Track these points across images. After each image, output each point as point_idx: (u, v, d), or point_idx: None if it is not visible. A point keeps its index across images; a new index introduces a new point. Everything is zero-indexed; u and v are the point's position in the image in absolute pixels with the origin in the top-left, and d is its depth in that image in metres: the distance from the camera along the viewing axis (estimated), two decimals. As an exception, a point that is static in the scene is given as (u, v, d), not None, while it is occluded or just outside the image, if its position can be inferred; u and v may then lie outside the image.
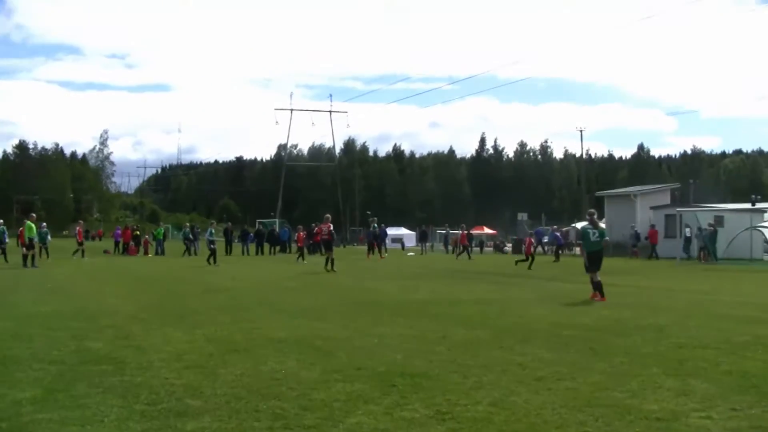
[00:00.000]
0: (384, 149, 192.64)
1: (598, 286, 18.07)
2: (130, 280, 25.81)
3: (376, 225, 49.72)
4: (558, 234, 51.76)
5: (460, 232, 54.11)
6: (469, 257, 46.60)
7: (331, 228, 32.04)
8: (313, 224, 62.89)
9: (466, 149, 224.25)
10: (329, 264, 30.03)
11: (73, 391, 7.82)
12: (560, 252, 48.26)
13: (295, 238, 49.61)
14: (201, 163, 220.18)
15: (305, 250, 44.05)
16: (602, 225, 20.07)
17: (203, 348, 10.63)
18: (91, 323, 13.33)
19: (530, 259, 34.96)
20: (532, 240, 40.47)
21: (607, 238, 19.35)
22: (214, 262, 36.12)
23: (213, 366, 9.20)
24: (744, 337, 11.66)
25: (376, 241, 48.38)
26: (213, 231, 41.49)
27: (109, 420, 6.67)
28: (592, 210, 19.91)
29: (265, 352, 10.18)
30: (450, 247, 63.96)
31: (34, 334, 11.93)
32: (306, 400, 7.38)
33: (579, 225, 61.84)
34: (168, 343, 11.07)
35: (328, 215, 32.59)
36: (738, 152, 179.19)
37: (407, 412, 6.89)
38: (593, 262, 18.40)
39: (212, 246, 38.12)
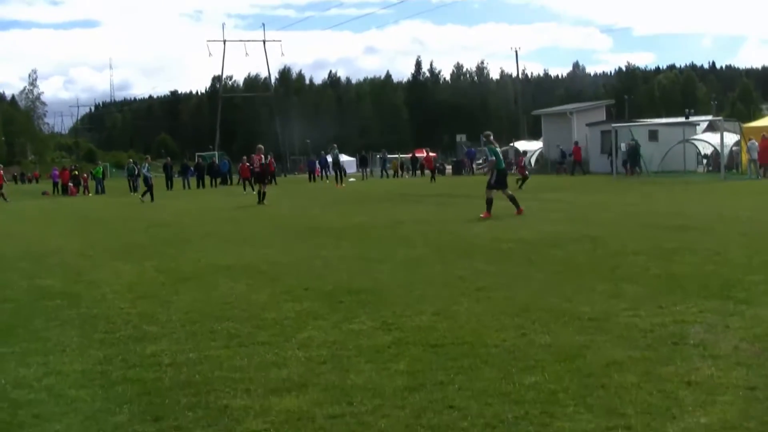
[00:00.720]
0: (320, 76, 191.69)
1: (490, 203, 18.74)
2: (74, 219, 25.78)
3: (337, 152, 49.62)
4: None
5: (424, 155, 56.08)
6: (431, 180, 46.36)
7: (263, 160, 30.59)
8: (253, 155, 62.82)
9: (402, 73, 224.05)
10: (261, 198, 28.22)
11: (31, 325, 8.05)
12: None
13: (238, 170, 49.41)
14: (135, 99, 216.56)
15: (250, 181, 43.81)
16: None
17: (154, 279, 10.89)
18: (39, 263, 13.45)
19: (524, 179, 34.07)
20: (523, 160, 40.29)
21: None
22: (152, 198, 35.12)
23: (165, 294, 9.48)
24: (673, 244, 12.21)
25: (338, 169, 47.89)
26: (148, 166, 40.39)
27: (71, 349, 6.93)
28: (488, 132, 21.02)
29: (214, 279, 10.48)
30: (390, 172, 64.39)
31: (-18, 275, 12.05)
32: (258, 320, 7.71)
33: (517, 144, 62.82)
34: (118, 276, 11.29)
35: (260, 146, 31.04)
36: (671, 68, 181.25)
37: (355, 325, 7.27)
38: (502, 181, 19.28)
39: (149, 182, 36.99)
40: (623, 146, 44.46)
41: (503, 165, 19.60)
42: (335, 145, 51.40)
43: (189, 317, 8.00)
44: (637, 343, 6.23)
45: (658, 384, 5.16)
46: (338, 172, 47.38)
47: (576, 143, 49.14)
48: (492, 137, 20.19)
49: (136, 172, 51.06)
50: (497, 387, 5.23)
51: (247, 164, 45.68)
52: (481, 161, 56.77)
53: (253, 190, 37.60)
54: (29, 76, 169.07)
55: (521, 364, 5.76)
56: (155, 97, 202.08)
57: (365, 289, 9.08)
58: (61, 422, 5.04)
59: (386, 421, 4.72)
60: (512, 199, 18.93)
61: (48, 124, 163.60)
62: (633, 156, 43.65)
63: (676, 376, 5.30)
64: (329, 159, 61.90)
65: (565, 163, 50.67)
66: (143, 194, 35.70)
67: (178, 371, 6.03)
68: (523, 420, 4.63)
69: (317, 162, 60.74)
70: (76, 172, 55.50)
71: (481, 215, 18.33)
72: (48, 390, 5.73)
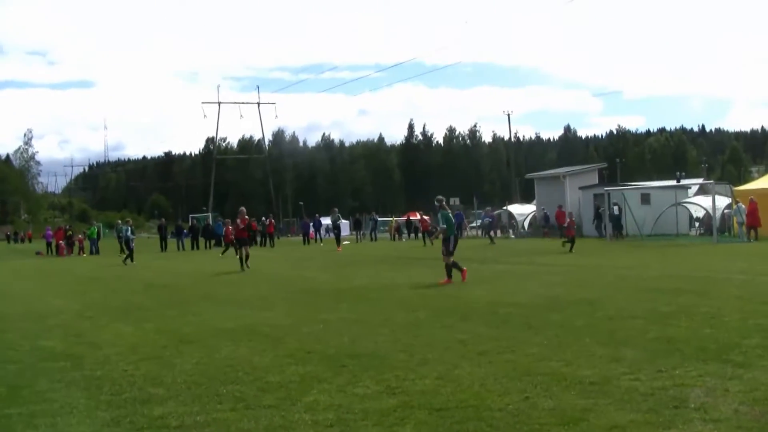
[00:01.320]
0: (314, 139, 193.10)
1: (450, 269, 18.59)
2: (70, 280, 25.83)
3: (338, 216, 49.44)
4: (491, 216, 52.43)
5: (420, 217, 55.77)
6: (424, 244, 46.21)
7: (247, 222, 29.55)
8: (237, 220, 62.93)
9: (395, 136, 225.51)
10: (244, 261, 26.90)
11: (37, 386, 8.13)
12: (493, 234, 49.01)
13: (223, 233, 49.23)
14: (129, 159, 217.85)
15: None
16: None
17: (156, 340, 10.97)
18: (40, 323, 13.55)
19: (572, 241, 31.92)
20: (569, 220, 35.58)
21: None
22: (131, 260, 34.39)
23: (168, 356, 9.57)
24: (669, 307, 12.36)
25: (338, 233, 47.74)
26: (131, 229, 39.91)
27: (78, 411, 7.01)
28: (441, 197, 20.58)
29: (217, 342, 10.56)
30: (379, 235, 64.67)
31: (-15, 336, 12.12)
32: (263, 382, 7.80)
33: (510, 207, 63.14)
34: (120, 337, 11.38)
35: (243, 208, 29.74)
36: (662, 130, 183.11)
37: (359, 389, 7.36)
38: (455, 245, 19.24)
39: (131, 245, 36.54)
40: (613, 210, 45.07)
41: (455, 231, 19.61)
42: (336, 209, 51.39)
43: (194, 380, 8.08)
44: (639, 406, 6.34)
45: (662, 448, 5.26)
46: (338, 236, 47.17)
47: (560, 207, 49.68)
48: (444, 203, 20.07)
49: (98, 236, 51.25)
50: (504, 450, 5.33)
51: (230, 227, 45.68)
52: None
53: (236, 253, 36.51)
54: (24, 135, 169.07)
55: (526, 428, 5.86)
56: (149, 157, 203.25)
57: (367, 353, 9.19)
58: (75, 484, 5.11)
59: (396, 484, 4.81)
60: (447, 266, 18.67)
61: (42, 183, 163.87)
62: (615, 220, 44.28)
63: (678, 440, 5.41)
64: (324, 222, 62.19)
65: (547, 226, 51.27)
66: (125, 258, 35.01)
67: (187, 434, 6.11)
68: (531, 483, 4.73)
69: (311, 224, 60.85)
70: (70, 233, 55.54)
71: (441, 282, 18.29)
72: (59, 452, 5.80)
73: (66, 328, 12.77)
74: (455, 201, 76.17)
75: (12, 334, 12.23)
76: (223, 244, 46.26)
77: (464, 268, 18.69)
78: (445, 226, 19.20)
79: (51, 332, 12.34)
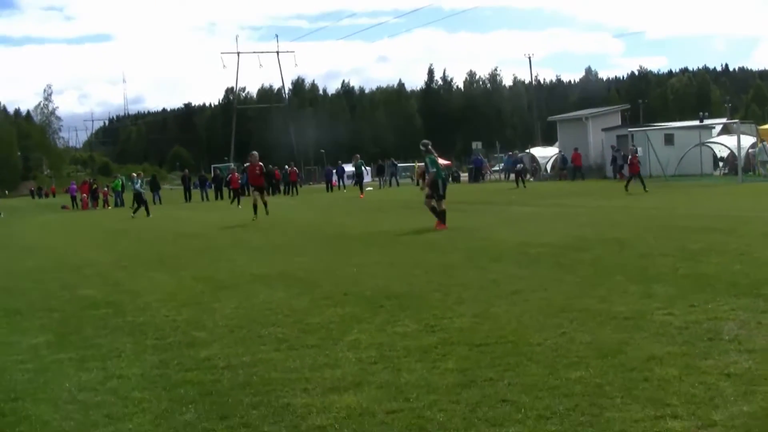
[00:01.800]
0: (333, 86, 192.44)
1: (443, 215, 18.05)
2: (99, 232, 26.15)
3: (361, 162, 49.85)
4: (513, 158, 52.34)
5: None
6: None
7: (261, 167, 27.17)
8: (270, 166, 63.15)
9: (415, 82, 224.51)
10: (262, 209, 25.42)
11: (83, 333, 8.35)
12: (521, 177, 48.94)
13: (228, 179, 48.40)
14: (149, 112, 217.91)
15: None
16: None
17: (193, 287, 11.18)
18: (77, 274, 13.79)
19: (631, 178, 30.94)
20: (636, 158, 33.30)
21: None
22: (147, 213, 33.79)
23: (207, 302, 9.77)
24: (698, 245, 12.45)
25: (360, 180, 47.58)
26: (141, 182, 38.94)
27: (126, 355, 7.22)
28: (427, 141, 19.79)
29: (253, 287, 10.76)
30: (401, 181, 64.75)
31: (25, 287, 12.39)
32: (303, 324, 7.98)
33: (532, 150, 62.94)
34: (157, 285, 11.60)
35: (254, 153, 27.52)
36: (684, 71, 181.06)
37: (399, 328, 7.53)
38: (443, 190, 18.46)
39: (142, 197, 35.41)
40: (619, 151, 45.39)
41: (443, 174, 18.86)
42: (358, 156, 51.81)
43: (235, 323, 8.27)
44: (675, 339, 6.48)
45: (699, 376, 5.40)
46: (361, 183, 47.04)
47: (576, 149, 49.71)
48: (431, 146, 19.13)
49: (122, 188, 51.39)
50: (545, 382, 5.48)
51: (236, 174, 45.34)
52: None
53: (239, 203, 36.18)
54: (44, 91, 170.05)
55: (565, 360, 6.01)
56: (169, 110, 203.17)
57: (403, 294, 9.36)
58: (132, 421, 5.31)
59: (444, 415, 4.98)
60: (440, 212, 18.06)
61: (63, 138, 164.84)
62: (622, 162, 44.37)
63: (715, 369, 5.55)
64: (346, 169, 62.15)
65: (566, 168, 51.27)
66: (135, 210, 34.52)
67: (235, 373, 6.29)
68: (574, 411, 4.88)
69: (334, 171, 60.95)
70: (95, 186, 55.91)
71: (439, 227, 17.65)
72: (113, 392, 6.01)
73: (103, 278, 13.00)
74: (477, 145, 76.14)
75: (51, 284, 12.46)
76: (230, 194, 45.36)
77: (445, 224, 17.81)
78: (434, 169, 18.53)
79: (89, 281, 12.58)
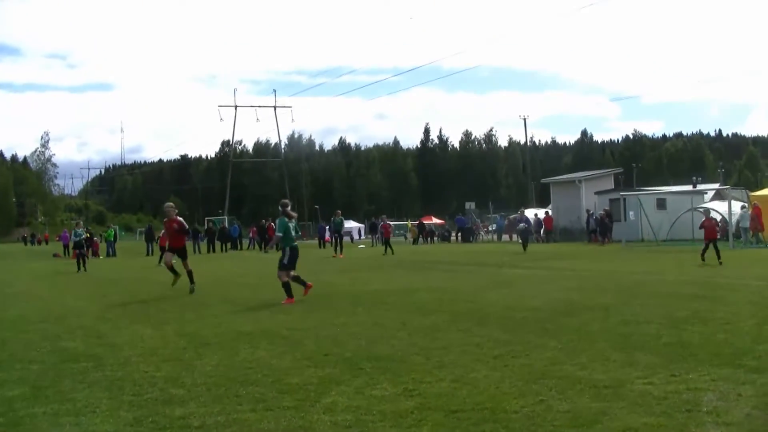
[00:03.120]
0: (330, 142, 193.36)
1: (289, 287, 16.22)
2: (89, 282, 26.03)
3: (340, 219, 44.46)
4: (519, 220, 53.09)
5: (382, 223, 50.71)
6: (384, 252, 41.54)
7: (181, 224, 20.36)
8: (263, 220, 63.25)
9: (412, 140, 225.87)
10: (184, 277, 19.82)
11: (60, 386, 8.28)
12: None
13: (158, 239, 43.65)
14: (146, 162, 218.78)
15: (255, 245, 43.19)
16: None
17: (176, 342, 11.11)
18: (60, 325, 13.71)
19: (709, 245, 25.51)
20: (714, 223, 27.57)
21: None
22: (84, 267, 32.21)
23: (188, 358, 9.71)
24: (684, 312, 12.44)
25: (338, 238, 42.82)
26: (81, 232, 35.97)
27: (101, 410, 7.15)
28: (286, 201, 17.66)
29: (236, 344, 10.69)
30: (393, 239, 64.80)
31: (7, 337, 12.28)
32: (282, 384, 7.93)
33: (527, 212, 63.12)
34: (140, 339, 11.52)
35: (170, 204, 21.07)
36: (679, 135, 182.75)
37: (377, 391, 7.48)
38: (294, 260, 16.84)
39: (82, 249, 33.57)
40: (593, 215, 46.84)
41: (294, 243, 16.74)
42: (339, 212, 46.13)
43: (214, 381, 8.21)
44: (652, 409, 6.44)
45: (674, 450, 5.36)
46: (338, 241, 42.30)
47: (546, 213, 51.57)
48: (289, 208, 16.95)
49: (114, 238, 50.64)
50: (519, 451, 5.44)
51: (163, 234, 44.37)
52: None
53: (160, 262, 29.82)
54: (41, 137, 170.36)
55: (541, 429, 5.97)
56: (165, 160, 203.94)
57: (384, 356, 9.31)
58: (100, 481, 5.25)
59: (414, 483, 4.93)
60: (284, 283, 16.21)
61: (58, 185, 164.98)
62: (604, 225, 46.46)
63: (691, 443, 5.51)
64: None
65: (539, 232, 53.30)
66: (79, 265, 32.52)
67: (209, 433, 6.24)
68: (546, 483, 4.84)
69: (326, 228, 61.05)
70: (88, 234, 55.77)
71: (283, 302, 15.90)
72: (83, 450, 5.94)
73: (86, 330, 12.92)
74: (471, 205, 76.34)
75: (33, 335, 12.38)
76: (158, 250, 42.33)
77: (309, 283, 16.95)
78: (280, 234, 16.53)
79: (72, 333, 12.49)
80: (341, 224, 44.52)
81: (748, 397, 6.76)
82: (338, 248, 41.09)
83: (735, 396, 6.84)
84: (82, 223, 41.51)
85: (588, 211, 49.71)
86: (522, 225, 41.45)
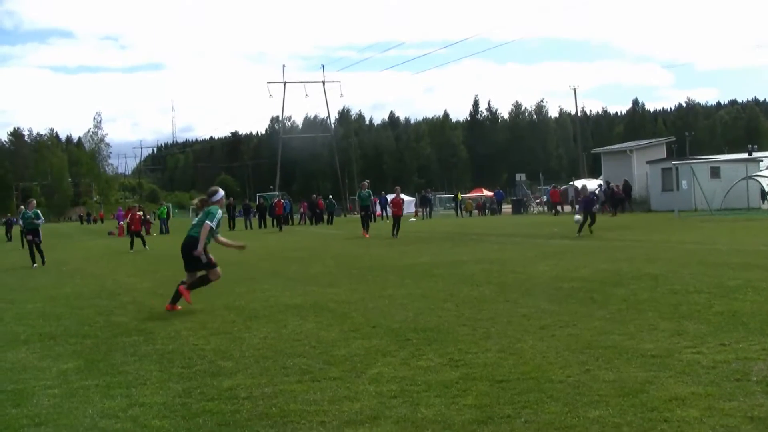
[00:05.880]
0: (379, 117, 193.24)
1: (177, 296, 12.40)
2: (141, 259, 26.38)
3: (367, 192, 36.56)
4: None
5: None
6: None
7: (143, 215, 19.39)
8: (314, 195, 63.51)
9: (461, 113, 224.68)
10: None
11: (112, 360, 8.44)
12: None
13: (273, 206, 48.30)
14: (197, 140, 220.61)
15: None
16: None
17: (225, 316, 11.25)
18: (113, 300, 13.98)
19: None
20: None
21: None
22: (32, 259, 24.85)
23: (237, 331, 9.83)
24: (736, 282, 12.28)
25: (367, 213, 35.95)
26: (34, 214, 25.59)
27: (151, 382, 7.27)
28: (214, 188, 13.27)
29: (284, 317, 10.80)
30: (442, 212, 64.83)
31: (62, 313, 12.55)
32: (328, 356, 8.00)
33: (577, 183, 62.58)
34: (190, 313, 11.68)
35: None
36: (733, 103, 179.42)
37: (423, 362, 7.51)
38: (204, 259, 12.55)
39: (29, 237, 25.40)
40: (600, 188, 47.55)
41: (216, 235, 12.70)
42: (366, 184, 38.76)
43: (261, 353, 8.31)
44: (700, 379, 6.38)
45: (721, 419, 5.31)
46: (366, 219, 35.33)
47: (554, 186, 52.47)
48: (216, 197, 12.79)
49: (167, 216, 51.01)
50: (562, 420, 5.43)
51: (282, 201, 45.81)
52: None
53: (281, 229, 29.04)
54: (94, 118, 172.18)
55: (585, 398, 5.94)
56: (216, 138, 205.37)
57: (431, 327, 9.34)
58: (149, 451, 5.35)
59: (457, 452, 4.95)
60: (177, 292, 12.36)
61: (112, 165, 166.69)
62: (615, 196, 48.59)
63: (738, 412, 5.45)
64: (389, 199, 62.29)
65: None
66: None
67: (255, 404, 6.31)
68: (589, 451, 4.83)
69: (378, 202, 61.06)
70: (142, 212, 56.43)
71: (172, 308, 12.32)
72: (133, 420, 6.06)
73: (138, 305, 13.15)
74: (521, 177, 75.87)
75: (88, 311, 12.63)
76: (274, 221, 48.20)
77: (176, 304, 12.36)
78: (209, 222, 12.41)
79: (124, 308, 12.73)
80: (368, 198, 36.52)
81: (798, 366, 6.67)
82: (365, 225, 34.36)
83: (785, 364, 6.75)
84: (34, 202, 27.97)
85: (607, 182, 50.81)
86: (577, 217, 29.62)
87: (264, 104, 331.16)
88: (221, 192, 13.10)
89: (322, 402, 6.25)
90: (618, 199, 48.91)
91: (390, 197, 61.11)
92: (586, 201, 27.36)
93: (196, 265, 12.50)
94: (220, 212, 12.68)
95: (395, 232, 32.07)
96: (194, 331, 9.99)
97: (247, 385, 6.94)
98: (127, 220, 35.00)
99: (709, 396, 5.87)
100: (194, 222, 12.83)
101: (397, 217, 33.61)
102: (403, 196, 38.34)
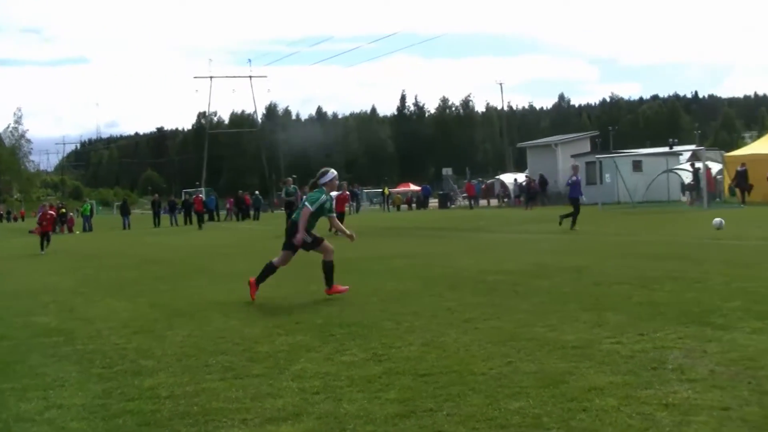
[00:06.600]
0: (308, 111, 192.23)
1: None
2: (64, 257, 25.88)
3: (293, 188, 33.63)
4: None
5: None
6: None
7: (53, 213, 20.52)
8: (240, 191, 63.18)
9: (390, 108, 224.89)
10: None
11: (30, 361, 8.24)
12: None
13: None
14: (121, 136, 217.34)
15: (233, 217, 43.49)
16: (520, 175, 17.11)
17: (148, 314, 11.08)
18: (34, 300, 13.65)
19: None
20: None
21: None
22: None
23: (160, 330, 9.68)
24: (655, 273, 12.52)
25: (290, 210, 29.66)
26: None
27: (69, 384, 7.11)
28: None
29: (208, 314, 10.68)
30: (368, 207, 64.89)
31: (-21, 314, 12.23)
32: (252, 353, 7.93)
33: (503, 177, 63.28)
34: (112, 312, 11.49)
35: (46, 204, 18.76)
36: (655, 98, 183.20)
37: (347, 357, 7.49)
38: None
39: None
40: (517, 181, 49.31)
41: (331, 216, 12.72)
42: (290, 179, 35.68)
43: (184, 351, 8.20)
44: (619, 368, 6.48)
45: (638, 407, 5.40)
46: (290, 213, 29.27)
47: (468, 181, 53.92)
48: (324, 179, 12.22)
49: (90, 213, 50.41)
50: (484, 412, 5.46)
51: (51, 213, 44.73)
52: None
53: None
54: (14, 113, 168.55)
55: (507, 390, 5.99)
56: (141, 133, 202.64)
57: (356, 322, 9.32)
58: (66, 453, 5.23)
59: (379, 447, 4.95)
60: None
61: (33, 161, 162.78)
62: (530, 191, 51.21)
63: (654, 399, 5.55)
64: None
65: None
66: None
67: (176, 403, 6.22)
68: (509, 443, 4.87)
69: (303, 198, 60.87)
70: (63, 210, 55.47)
71: None
72: (50, 423, 5.91)
73: (59, 304, 12.86)
74: (448, 171, 76.35)
75: (5, 311, 12.31)
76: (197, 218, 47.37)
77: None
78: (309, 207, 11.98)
79: (44, 308, 12.44)
80: (294, 194, 32.83)
81: (713, 354, 6.81)
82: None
83: (700, 353, 6.89)
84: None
85: (528, 177, 52.18)
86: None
87: (190, 99, 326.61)
88: (331, 173, 12.29)
89: (245, 399, 6.20)
90: (533, 192, 50.10)
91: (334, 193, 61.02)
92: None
93: (306, 248, 12.31)
94: (323, 196, 12.09)
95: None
96: (116, 331, 9.82)
97: (168, 384, 6.85)
98: (38, 217, 33.84)
99: (626, 385, 5.97)
100: (300, 206, 12.45)
101: (341, 214, 30.53)
102: (335, 192, 37.26)
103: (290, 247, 12.27)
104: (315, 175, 12.37)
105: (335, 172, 12.35)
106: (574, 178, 25.30)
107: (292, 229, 12.19)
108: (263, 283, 12.10)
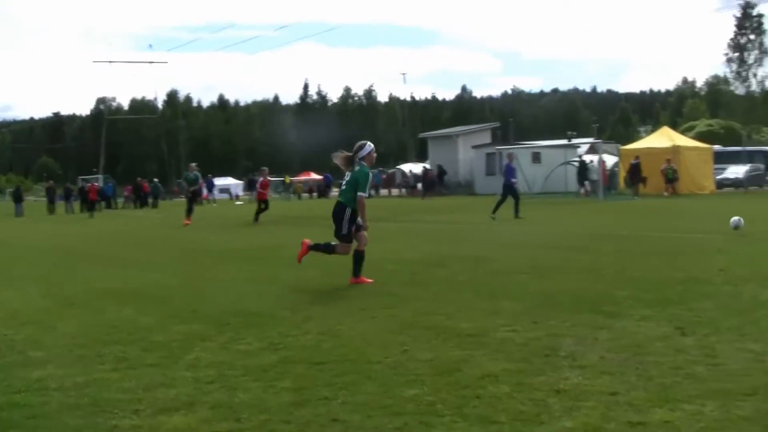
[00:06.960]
0: (209, 99, 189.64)
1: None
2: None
3: (195, 174, 32.56)
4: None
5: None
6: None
7: None
8: (138, 179, 62.18)
9: (292, 96, 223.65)
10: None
11: None
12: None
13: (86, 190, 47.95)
14: (15, 120, 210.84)
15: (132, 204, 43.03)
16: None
17: (38, 304, 10.78)
18: None
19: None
20: None
21: None
22: None
23: (51, 320, 9.43)
24: (552, 262, 12.77)
25: (190, 199, 31.72)
26: None
27: (-47, 376, 6.88)
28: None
29: (102, 304, 10.44)
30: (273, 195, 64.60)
31: None
32: (146, 342, 7.78)
33: (403, 166, 63.66)
34: (1, 303, 11.12)
35: None
36: (555, 91, 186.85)
37: (242, 346, 7.42)
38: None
39: None
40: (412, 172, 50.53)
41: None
42: (192, 165, 33.73)
43: (76, 342, 8.00)
44: (513, 356, 6.57)
45: (530, 393, 5.48)
46: (191, 203, 31.57)
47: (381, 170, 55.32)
48: (363, 152, 11.56)
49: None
50: (378, 400, 5.47)
51: (96, 185, 45.14)
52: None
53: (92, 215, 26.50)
54: None
55: (402, 378, 6.02)
56: (37, 118, 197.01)
57: (253, 311, 9.25)
58: (-53, 447, 5.06)
59: (272, 436, 4.91)
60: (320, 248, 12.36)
61: None
62: (427, 181, 52.44)
63: (546, 386, 5.65)
64: (217, 183, 61.49)
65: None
66: None
67: (66, 395, 6.06)
68: (402, 430, 4.88)
69: (204, 185, 60.23)
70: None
71: None
72: (-68, 416, 5.71)
73: (-55, 294, 12.43)
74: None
75: None
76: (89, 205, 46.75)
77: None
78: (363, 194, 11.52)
79: (-71, 298, 12.01)
80: (196, 181, 32.80)
81: (604, 341, 6.97)
82: (189, 210, 30.82)
83: (591, 340, 7.04)
84: None
85: (425, 167, 53.24)
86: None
87: (89, 84, 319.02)
88: (369, 145, 11.61)
89: (137, 390, 6.08)
90: (429, 182, 50.77)
91: (218, 181, 60.35)
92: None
93: (336, 233, 11.68)
94: (369, 173, 11.48)
95: (257, 218, 29.44)
96: (4, 321, 9.52)
97: (58, 376, 6.67)
98: None
99: (520, 372, 6.06)
100: (343, 186, 11.71)
101: (264, 201, 30.49)
102: (230, 180, 37.84)
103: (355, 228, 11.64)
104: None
105: (372, 145, 11.72)
106: (506, 162, 25.70)
107: (339, 212, 11.62)
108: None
